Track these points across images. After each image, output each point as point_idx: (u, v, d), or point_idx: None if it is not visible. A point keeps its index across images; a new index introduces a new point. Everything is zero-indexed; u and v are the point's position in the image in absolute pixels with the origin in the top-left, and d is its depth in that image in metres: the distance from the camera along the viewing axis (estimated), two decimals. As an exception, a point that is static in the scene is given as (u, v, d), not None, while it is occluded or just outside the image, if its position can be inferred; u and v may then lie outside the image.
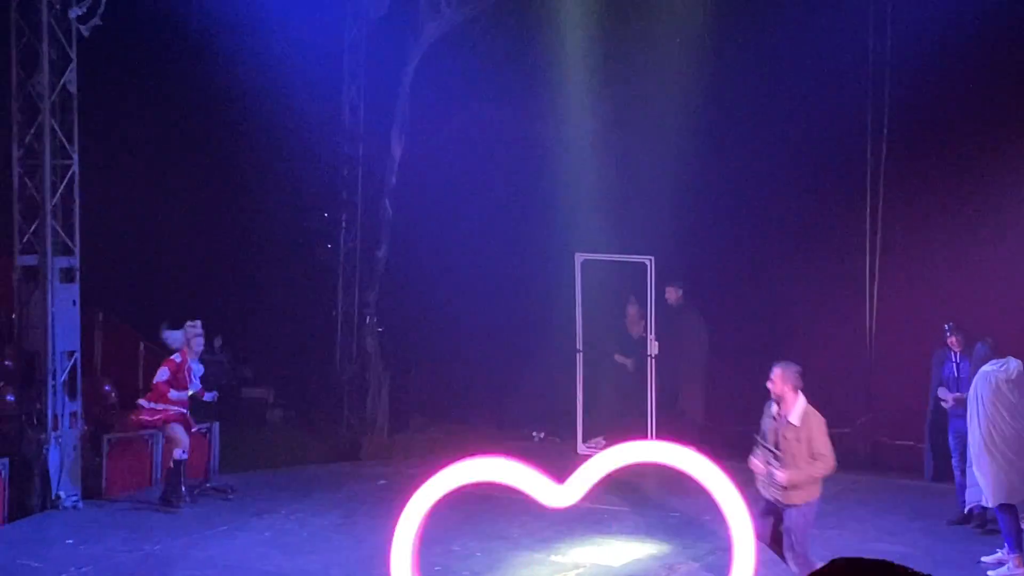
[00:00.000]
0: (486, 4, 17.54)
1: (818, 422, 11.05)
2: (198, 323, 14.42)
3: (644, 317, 17.13)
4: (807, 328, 16.88)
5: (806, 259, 17.16)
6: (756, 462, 11.13)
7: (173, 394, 14.11)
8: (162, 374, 14.16)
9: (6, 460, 14.26)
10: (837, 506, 14.70)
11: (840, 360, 16.82)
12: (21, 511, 14.29)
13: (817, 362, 16.67)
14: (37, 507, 14.37)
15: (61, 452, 14.47)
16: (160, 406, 14.18)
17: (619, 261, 17.03)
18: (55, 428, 14.47)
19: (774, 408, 11.17)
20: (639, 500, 15.08)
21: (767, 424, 11.23)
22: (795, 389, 11.06)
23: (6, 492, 14.20)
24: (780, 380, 11.04)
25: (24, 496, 14.35)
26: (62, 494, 14.47)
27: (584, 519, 14.12)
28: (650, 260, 16.66)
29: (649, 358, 16.76)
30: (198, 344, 14.31)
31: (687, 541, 13.49)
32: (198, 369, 14.28)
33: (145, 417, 14.24)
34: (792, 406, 11.00)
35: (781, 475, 10.88)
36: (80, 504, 14.42)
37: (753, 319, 17.41)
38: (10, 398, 15.61)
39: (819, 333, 16.83)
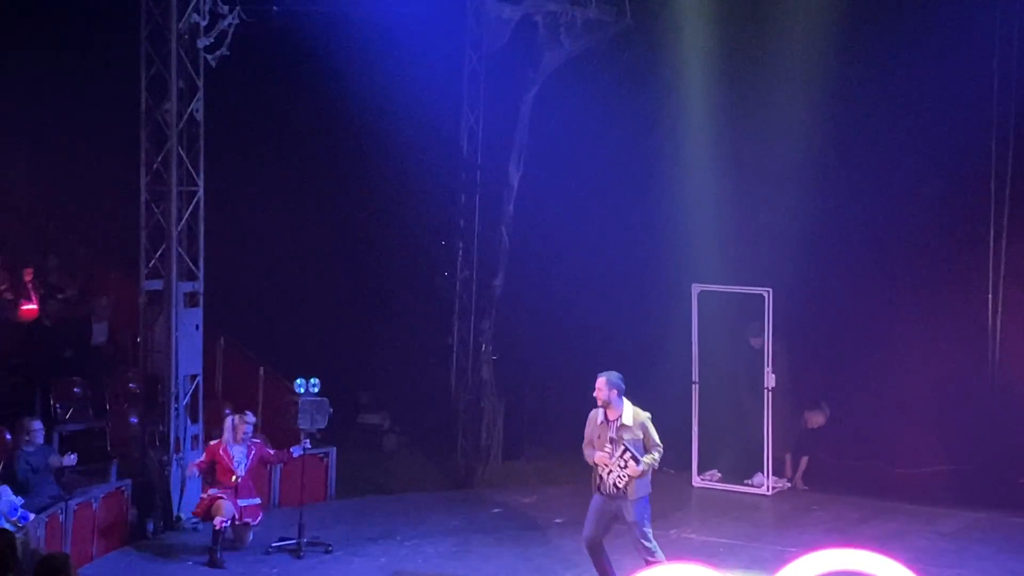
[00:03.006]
0: (605, 34, 17.54)
1: (646, 417, 12.03)
2: (250, 416, 14.39)
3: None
4: (928, 361, 16.63)
5: (927, 291, 16.91)
6: (600, 455, 11.99)
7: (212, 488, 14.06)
8: (201, 458, 14.22)
9: (129, 481, 14.54)
10: (957, 545, 14.46)
11: (961, 396, 16.55)
12: (142, 531, 14.55)
13: (937, 397, 16.48)
14: (158, 528, 14.62)
15: (183, 474, 14.71)
16: (208, 494, 14.10)
17: (736, 292, 16.88)
18: (177, 450, 14.74)
19: (600, 415, 12.06)
20: (755, 534, 14.94)
21: (595, 431, 12.07)
22: (620, 394, 12.01)
23: (128, 512, 14.47)
24: (606, 388, 11.98)
25: (145, 517, 14.60)
26: (183, 515, 14.72)
27: (699, 552, 14.03)
28: (768, 292, 16.51)
29: (766, 391, 16.60)
30: (245, 432, 14.24)
31: (803, 577, 13.29)
32: (241, 452, 14.25)
33: (197, 510, 14.30)
34: (621, 409, 11.93)
35: (634, 466, 11.82)
36: (200, 526, 14.60)
37: (872, 352, 17.19)
38: (133, 420, 15.94)
39: (940, 367, 16.57)
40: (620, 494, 11.94)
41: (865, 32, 16.83)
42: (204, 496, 14.13)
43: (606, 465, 11.95)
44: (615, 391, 12.00)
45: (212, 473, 14.11)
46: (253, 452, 14.25)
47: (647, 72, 18.17)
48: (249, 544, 14.16)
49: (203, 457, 14.24)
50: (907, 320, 16.93)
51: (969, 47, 16.34)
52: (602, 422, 12.08)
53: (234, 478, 14.04)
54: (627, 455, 11.88)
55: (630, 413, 12.02)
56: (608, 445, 11.97)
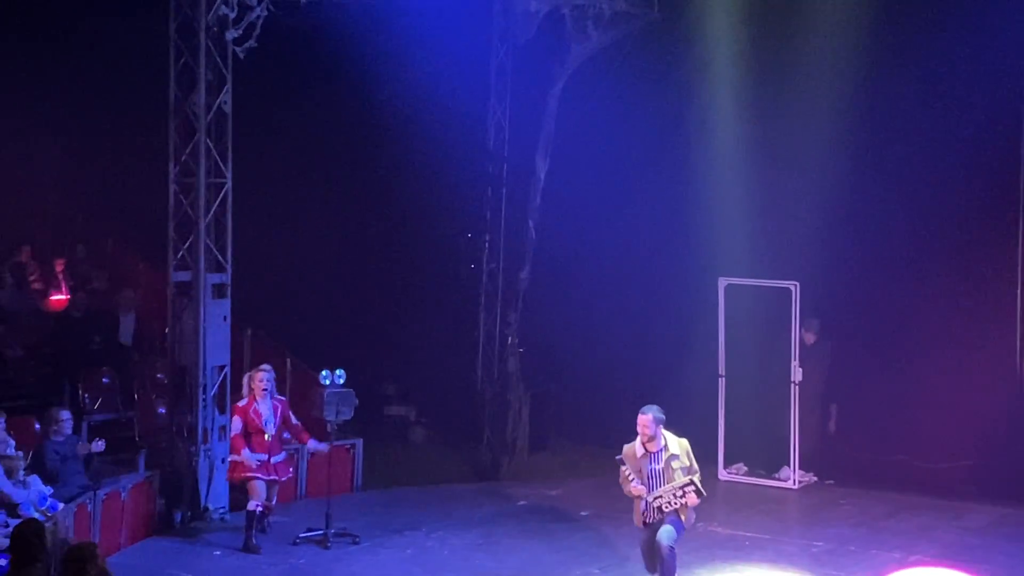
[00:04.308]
0: (633, 27, 17.53)
1: (687, 444, 12.21)
2: (266, 367, 14.44)
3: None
4: (954, 355, 16.56)
5: (954, 285, 16.84)
6: (639, 488, 11.96)
7: (246, 453, 14.05)
8: (236, 426, 14.22)
9: (157, 471, 14.62)
10: (984, 540, 14.40)
11: (988, 390, 16.46)
12: (170, 521, 14.62)
13: (964, 391, 16.40)
14: (186, 518, 14.69)
15: (210, 465, 14.77)
16: (238, 458, 14.20)
17: (764, 286, 16.84)
18: (204, 441, 14.77)
19: (639, 447, 12.03)
20: (781, 529, 14.91)
21: (635, 464, 12.01)
22: (663, 425, 12.08)
23: (156, 503, 14.55)
24: (653, 424, 12.00)
25: (173, 507, 14.68)
26: (210, 506, 14.76)
27: (725, 546, 14.05)
28: (795, 285, 16.47)
29: (792, 384, 16.57)
30: (263, 385, 14.25)
31: (828, 571, 13.29)
32: (268, 409, 14.31)
33: (230, 474, 14.48)
34: (662, 440, 12.03)
35: (694, 498, 11.91)
36: (227, 516, 14.69)
37: (898, 346, 17.12)
38: (161, 411, 16.02)
39: (967, 361, 16.49)
40: (669, 515, 11.91)
41: (895, 22, 16.73)
42: (236, 459, 14.17)
43: (644, 496, 11.89)
44: (660, 426, 12.03)
45: (247, 437, 14.16)
46: (279, 410, 14.33)
47: (674, 65, 18.13)
48: (273, 503, 14.28)
49: (238, 426, 14.16)
50: (933, 314, 16.86)
51: (1000, 38, 16.23)
52: (643, 455, 12.02)
53: (267, 436, 14.11)
54: (690, 487, 11.89)
55: (674, 441, 12.09)
56: (651, 477, 11.93)
